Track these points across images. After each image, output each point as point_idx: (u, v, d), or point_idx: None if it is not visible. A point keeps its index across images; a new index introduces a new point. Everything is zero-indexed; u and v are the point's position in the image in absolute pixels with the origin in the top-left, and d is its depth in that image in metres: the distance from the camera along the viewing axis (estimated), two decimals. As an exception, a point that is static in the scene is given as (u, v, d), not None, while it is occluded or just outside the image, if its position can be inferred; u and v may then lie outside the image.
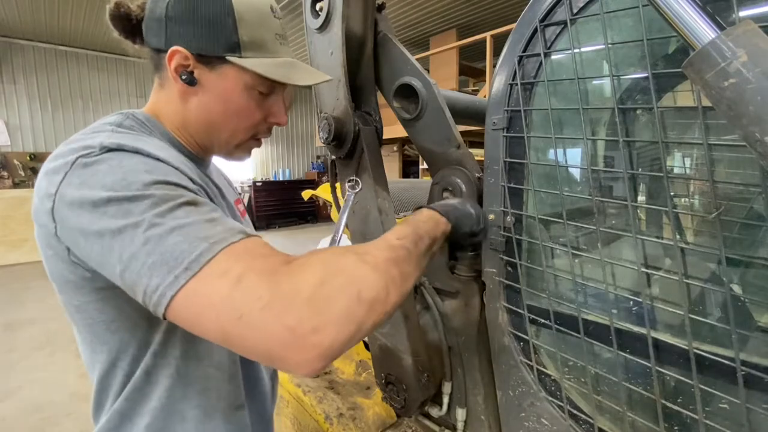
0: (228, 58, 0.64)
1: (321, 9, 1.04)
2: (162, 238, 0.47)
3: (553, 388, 0.83)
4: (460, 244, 1.06)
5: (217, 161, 0.85)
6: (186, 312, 0.47)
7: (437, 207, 0.79)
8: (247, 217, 0.91)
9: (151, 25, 0.66)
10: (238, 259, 0.47)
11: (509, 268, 0.87)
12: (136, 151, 0.54)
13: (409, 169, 8.48)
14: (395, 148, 7.86)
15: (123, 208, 0.49)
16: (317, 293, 0.46)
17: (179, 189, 0.53)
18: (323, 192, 2.42)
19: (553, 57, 0.78)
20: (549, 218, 0.80)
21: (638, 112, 0.73)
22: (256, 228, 0.93)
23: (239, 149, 0.74)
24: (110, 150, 0.53)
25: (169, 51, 0.64)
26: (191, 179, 0.58)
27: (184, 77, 0.65)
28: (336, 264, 0.51)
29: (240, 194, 0.95)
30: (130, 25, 0.69)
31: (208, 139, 0.72)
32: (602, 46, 0.68)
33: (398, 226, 0.67)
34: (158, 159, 0.55)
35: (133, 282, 0.48)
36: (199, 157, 0.75)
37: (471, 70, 7.57)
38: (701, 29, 0.47)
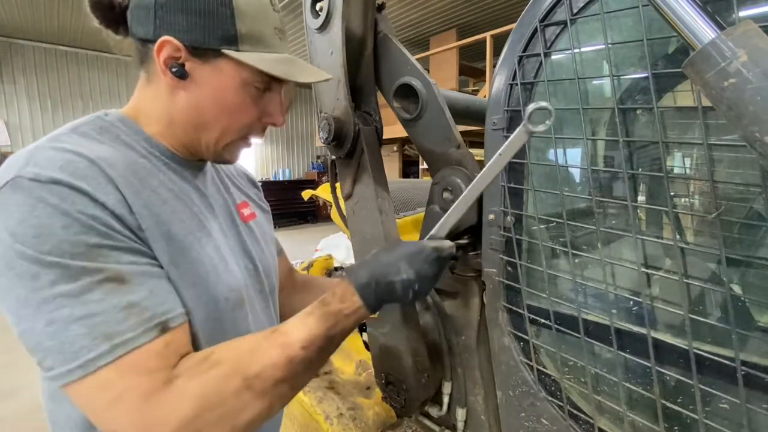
0: (224, 51, 0.60)
1: (321, 9, 1.04)
2: (66, 325, 0.47)
3: (553, 388, 0.83)
4: (459, 244, 1.06)
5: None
6: (76, 398, 0.51)
7: (357, 282, 0.64)
8: (258, 218, 0.85)
9: (138, 14, 0.60)
10: (125, 374, 0.49)
11: (509, 268, 0.87)
12: (56, 182, 0.49)
13: (409, 169, 8.48)
14: (395, 148, 7.85)
15: (31, 271, 0.47)
16: (186, 427, 0.49)
17: (101, 254, 0.50)
18: (323, 192, 2.42)
19: (553, 57, 0.78)
20: (549, 218, 0.80)
21: (638, 112, 0.72)
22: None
23: (227, 150, 0.69)
24: (32, 180, 0.49)
25: (158, 41, 0.58)
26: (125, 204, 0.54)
27: (174, 70, 0.60)
28: (217, 394, 0.51)
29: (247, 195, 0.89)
30: (112, 14, 0.64)
31: (196, 139, 0.66)
32: (602, 46, 0.68)
33: (311, 317, 0.61)
34: (80, 191, 0.50)
35: (28, 346, 0.50)
36: (186, 159, 0.70)
37: (471, 70, 7.57)
38: (701, 29, 0.47)
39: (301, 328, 0.60)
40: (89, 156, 0.54)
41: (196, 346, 0.62)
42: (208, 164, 0.77)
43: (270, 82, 0.65)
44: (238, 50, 0.60)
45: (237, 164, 0.86)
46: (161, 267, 0.57)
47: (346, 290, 0.64)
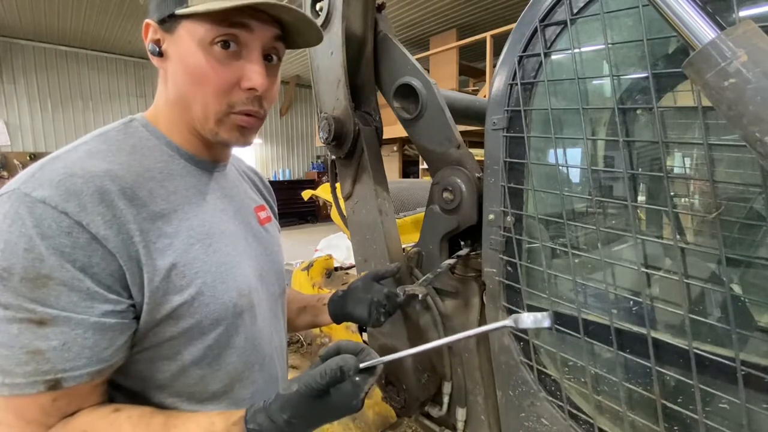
0: (176, 12, 0.59)
1: (321, 9, 1.04)
2: None
3: (553, 388, 0.83)
4: (458, 245, 1.06)
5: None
6: None
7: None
8: (274, 222, 0.87)
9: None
10: (9, 410, 0.53)
11: (509, 268, 0.87)
12: (42, 202, 0.51)
13: (409, 169, 8.48)
14: (395, 148, 7.86)
15: None
16: None
17: (45, 285, 0.50)
18: (323, 192, 2.42)
19: (553, 57, 0.78)
20: (549, 218, 0.80)
21: (638, 112, 0.72)
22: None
23: (222, 128, 0.64)
24: (26, 195, 0.51)
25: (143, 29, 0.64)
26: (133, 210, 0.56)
27: (150, 48, 0.63)
28: None
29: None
30: None
31: (189, 120, 0.65)
32: (602, 46, 0.68)
33: None
34: (63, 213, 0.51)
35: None
36: (205, 161, 0.70)
37: (471, 70, 7.57)
38: (701, 29, 0.47)
39: None
40: (92, 171, 0.55)
41: (200, 354, 0.63)
42: (230, 165, 0.79)
43: (234, 35, 0.60)
44: (187, 6, 0.59)
45: (252, 167, 0.90)
46: (113, 311, 0.55)
47: None
